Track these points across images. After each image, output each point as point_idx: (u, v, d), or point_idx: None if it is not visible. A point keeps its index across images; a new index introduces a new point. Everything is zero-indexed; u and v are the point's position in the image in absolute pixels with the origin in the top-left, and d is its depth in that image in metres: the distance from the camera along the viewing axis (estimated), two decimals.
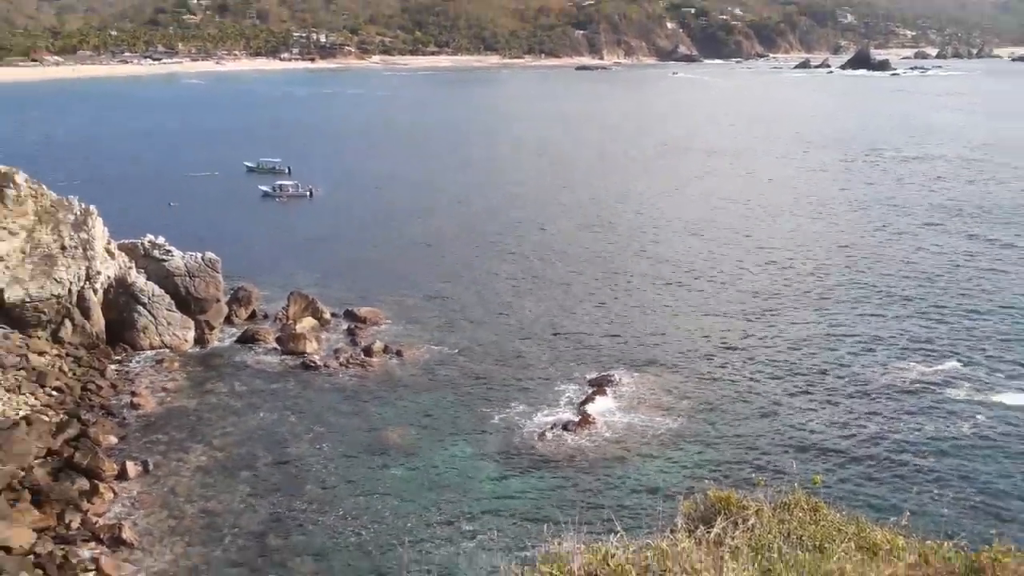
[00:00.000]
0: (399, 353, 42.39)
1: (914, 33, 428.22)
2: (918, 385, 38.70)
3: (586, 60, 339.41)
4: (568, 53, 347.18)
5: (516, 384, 39.26)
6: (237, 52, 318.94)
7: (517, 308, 49.57)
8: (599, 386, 38.11)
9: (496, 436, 34.33)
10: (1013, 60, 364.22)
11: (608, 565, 8.34)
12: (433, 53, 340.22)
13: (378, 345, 42.90)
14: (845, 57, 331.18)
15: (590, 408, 35.95)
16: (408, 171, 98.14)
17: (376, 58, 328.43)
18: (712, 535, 9.82)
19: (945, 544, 11.40)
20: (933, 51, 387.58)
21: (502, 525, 27.53)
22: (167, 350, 42.86)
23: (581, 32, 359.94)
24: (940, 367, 40.48)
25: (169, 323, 43.51)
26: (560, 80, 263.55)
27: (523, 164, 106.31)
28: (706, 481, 14.36)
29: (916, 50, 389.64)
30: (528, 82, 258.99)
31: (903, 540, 11.12)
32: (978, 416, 35.58)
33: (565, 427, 34.51)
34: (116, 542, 26.48)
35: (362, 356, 42.00)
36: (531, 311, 49.04)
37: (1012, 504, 29.25)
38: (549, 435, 34.06)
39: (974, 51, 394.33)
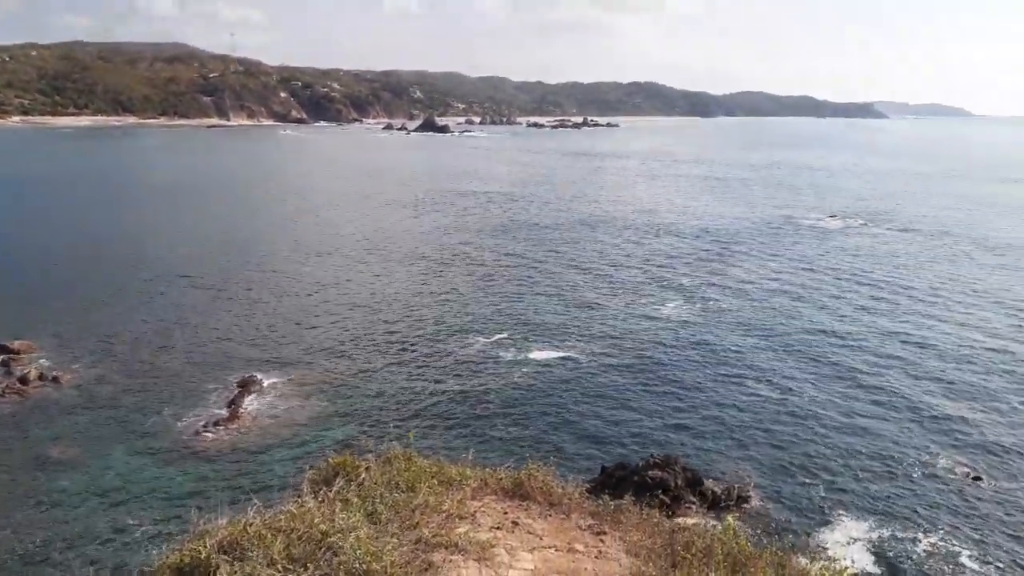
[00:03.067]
0: (55, 379, 36.36)
1: (464, 105, 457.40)
2: (481, 353, 41.34)
3: (215, 121, 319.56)
4: (199, 115, 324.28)
5: (170, 392, 35.68)
6: None
7: (164, 328, 45.15)
8: (244, 385, 35.96)
9: (153, 439, 30.97)
10: (528, 125, 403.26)
11: (247, 532, 7.93)
12: (74, 114, 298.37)
13: (33, 373, 36.49)
14: (418, 122, 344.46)
15: (237, 404, 33.80)
16: (44, 216, 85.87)
17: (16, 118, 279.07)
18: (332, 493, 9.72)
19: (499, 469, 12.27)
20: (477, 119, 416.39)
21: (163, 515, 24.91)
22: None
23: (209, 98, 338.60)
24: (496, 338, 43.65)
25: None
26: (191, 137, 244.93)
27: (154, 203, 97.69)
28: (331, 451, 14.19)
29: (466, 118, 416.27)
30: (161, 138, 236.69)
31: (470, 471, 11.77)
32: (522, 369, 38.87)
33: (216, 423, 32.10)
34: None
35: (18, 385, 35.38)
36: (178, 328, 45.04)
37: (545, 431, 32.29)
38: (202, 431, 31.50)
39: (503, 119, 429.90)
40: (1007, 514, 25.68)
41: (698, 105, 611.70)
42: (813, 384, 37.18)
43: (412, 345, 42.78)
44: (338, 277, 58.78)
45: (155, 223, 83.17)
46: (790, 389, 36.60)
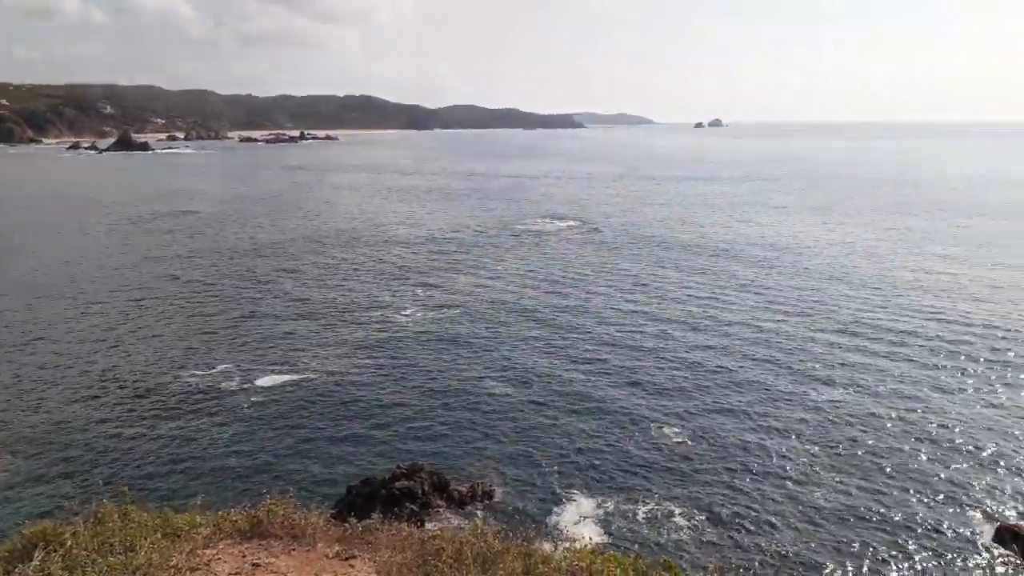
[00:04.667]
0: None
1: (164, 121, 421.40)
2: (202, 387, 38.22)
3: None
4: None
5: None
6: None
7: None
8: None
9: None
10: (240, 140, 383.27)
11: None
12: None
13: None
14: (111, 140, 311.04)
15: None
16: None
17: None
18: (31, 569, 8.36)
19: (233, 510, 11.40)
20: (182, 135, 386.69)
21: None
22: None
23: None
24: (218, 369, 40.77)
25: None
26: None
27: None
28: (27, 521, 12.20)
29: (168, 134, 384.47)
30: None
31: (200, 517, 10.84)
32: (251, 398, 36.63)
33: None
34: None
35: None
36: None
37: (282, 460, 30.78)
38: None
39: (212, 134, 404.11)
40: (709, 471, 29.46)
41: (415, 118, 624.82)
42: (541, 375, 39.68)
43: (119, 387, 38.43)
44: (15, 319, 51.05)
45: None
46: (521, 382, 38.76)
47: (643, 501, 27.19)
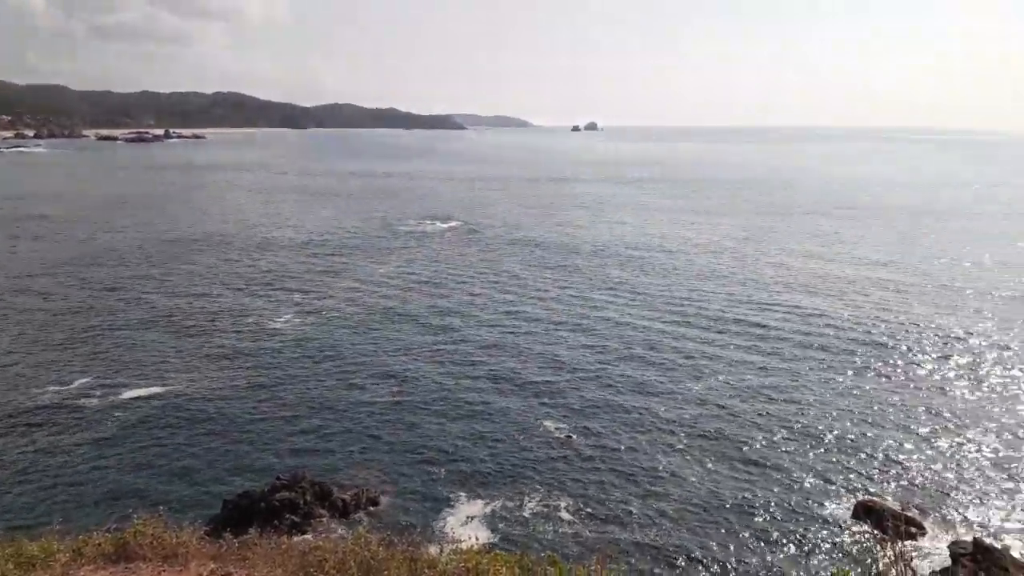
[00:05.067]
0: None
1: (10, 118, 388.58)
2: (59, 403, 35.64)
3: None
4: None
5: None
6: None
7: None
8: None
9: None
10: (98, 139, 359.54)
11: None
12: None
13: None
14: None
15: None
16: None
17: None
18: None
19: (97, 533, 10.77)
20: (31, 132, 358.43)
21: None
22: None
23: None
24: (76, 384, 38.12)
25: None
26: None
27: None
28: None
29: (16, 132, 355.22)
30: None
31: (58, 543, 10.16)
32: (115, 413, 34.48)
33: None
34: None
35: None
36: None
37: (152, 478, 29.14)
38: None
39: (65, 132, 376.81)
40: (591, 466, 30.23)
41: (290, 117, 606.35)
42: (423, 380, 39.47)
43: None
44: None
45: None
46: (405, 381, 38.43)
47: (529, 498, 27.58)
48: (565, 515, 26.51)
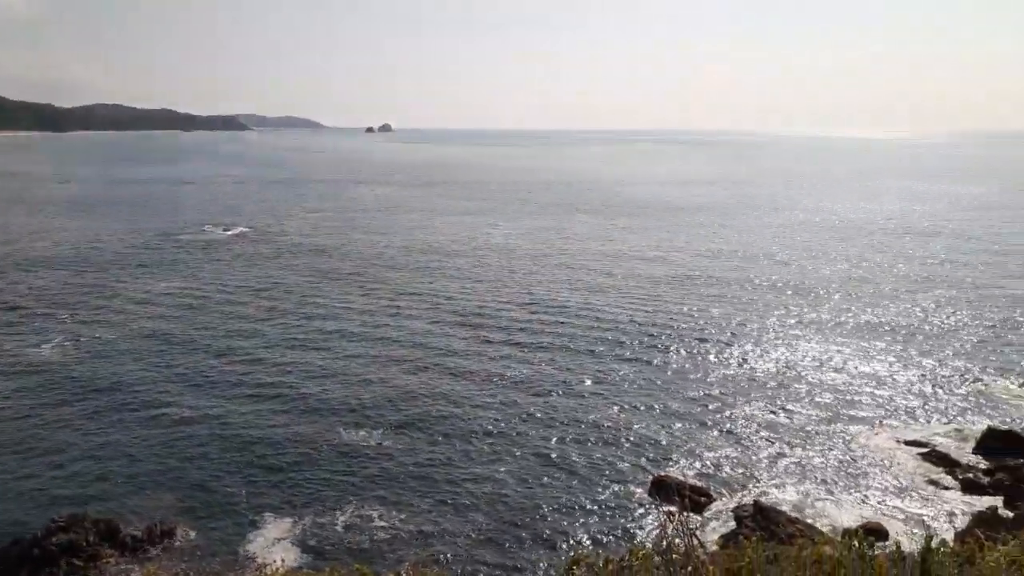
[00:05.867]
0: None
1: None
2: None
3: None
4: None
5: None
6: None
7: None
8: None
9: None
10: None
11: None
12: None
13: None
14: None
15: None
16: None
17: None
18: None
19: None
20: None
21: None
22: None
23: None
24: None
25: None
26: None
27: None
28: None
29: None
30: None
31: None
32: None
33: None
34: None
35: None
36: None
37: None
38: None
39: None
40: (402, 472, 30.14)
41: (46, 119, 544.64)
42: (212, 405, 37.28)
43: None
44: None
45: None
46: (193, 415, 36.00)
47: (341, 510, 26.98)
48: (380, 522, 26.24)
